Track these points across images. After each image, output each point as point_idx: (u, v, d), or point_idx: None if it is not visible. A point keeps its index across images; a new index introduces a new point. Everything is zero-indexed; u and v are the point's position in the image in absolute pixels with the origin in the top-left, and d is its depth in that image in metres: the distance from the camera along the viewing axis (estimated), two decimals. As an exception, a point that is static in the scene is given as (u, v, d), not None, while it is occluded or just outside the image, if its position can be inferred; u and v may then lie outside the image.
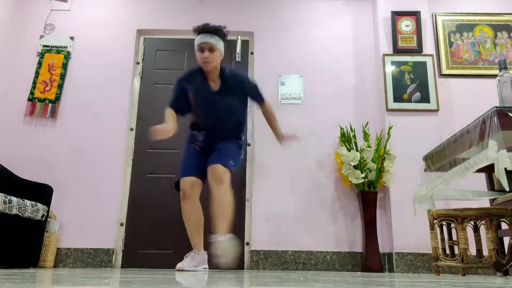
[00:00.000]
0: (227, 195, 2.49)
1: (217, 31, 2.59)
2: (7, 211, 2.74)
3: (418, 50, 3.68)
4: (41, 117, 3.69)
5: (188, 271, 2.46)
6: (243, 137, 2.84)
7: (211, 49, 2.56)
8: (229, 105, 2.64)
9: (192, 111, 2.71)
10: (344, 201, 3.52)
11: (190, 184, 2.55)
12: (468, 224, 2.35)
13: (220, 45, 2.62)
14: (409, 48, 3.69)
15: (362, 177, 3.24)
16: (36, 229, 3.07)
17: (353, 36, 3.96)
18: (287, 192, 3.54)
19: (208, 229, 2.57)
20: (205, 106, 2.65)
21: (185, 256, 2.58)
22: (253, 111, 3.72)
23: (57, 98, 3.72)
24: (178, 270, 2.46)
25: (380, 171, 3.32)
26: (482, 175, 2.81)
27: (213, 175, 2.49)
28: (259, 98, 2.77)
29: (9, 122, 3.67)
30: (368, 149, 3.35)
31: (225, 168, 2.50)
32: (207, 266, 2.61)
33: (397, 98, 3.57)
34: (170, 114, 2.61)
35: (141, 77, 3.92)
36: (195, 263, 2.53)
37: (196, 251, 2.57)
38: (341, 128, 3.51)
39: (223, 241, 2.33)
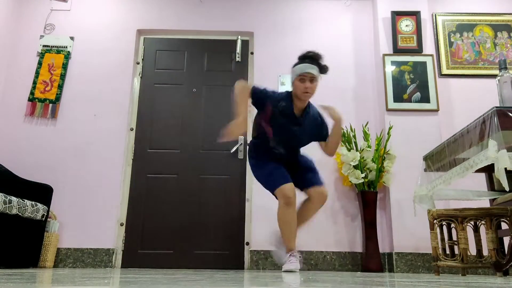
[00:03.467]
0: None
1: (318, 63, 2.58)
2: (7, 211, 2.74)
3: (418, 50, 3.68)
4: (42, 117, 3.69)
5: (296, 271, 2.54)
6: None
7: (312, 80, 2.55)
8: (302, 135, 2.65)
9: (264, 125, 2.65)
10: (344, 201, 3.52)
11: (293, 190, 2.57)
12: (468, 224, 2.35)
13: (319, 76, 2.61)
14: (409, 48, 3.69)
15: (362, 177, 3.24)
16: (36, 229, 3.07)
17: (353, 36, 3.96)
18: (287, 192, 3.54)
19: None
20: (284, 126, 2.62)
21: (288, 260, 2.58)
22: (253, 110, 3.71)
23: (57, 98, 3.72)
24: (286, 271, 2.53)
25: (380, 171, 3.32)
26: (482, 175, 2.82)
27: (320, 198, 2.67)
28: (326, 137, 2.75)
29: (10, 122, 3.67)
30: (368, 149, 3.35)
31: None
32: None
33: (397, 98, 3.57)
34: (243, 93, 2.56)
35: (141, 77, 3.92)
36: (299, 262, 2.59)
37: (295, 252, 2.61)
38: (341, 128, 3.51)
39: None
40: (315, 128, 2.71)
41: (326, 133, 2.75)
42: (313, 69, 2.56)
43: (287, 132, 2.63)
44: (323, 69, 2.62)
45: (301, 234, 3.42)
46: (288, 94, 2.66)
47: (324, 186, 2.69)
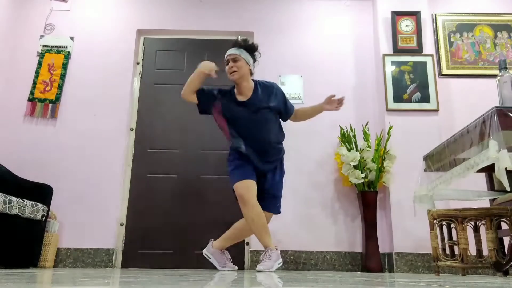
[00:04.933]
0: None
1: (241, 44, 2.74)
2: (7, 211, 2.74)
3: (418, 50, 3.68)
4: (41, 117, 3.69)
5: (270, 271, 2.50)
6: (283, 151, 2.87)
7: (235, 60, 2.71)
8: (257, 116, 2.69)
9: (224, 126, 2.79)
10: (344, 201, 3.52)
11: (246, 187, 2.60)
12: (468, 224, 2.35)
13: (244, 54, 2.73)
14: (409, 48, 3.69)
15: (362, 177, 3.24)
16: (36, 229, 3.07)
17: (353, 36, 3.96)
18: (287, 192, 3.53)
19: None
20: (236, 115, 2.72)
21: (261, 258, 2.61)
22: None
23: (57, 98, 3.72)
24: (258, 271, 2.51)
25: (380, 171, 3.32)
26: (482, 175, 2.81)
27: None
28: (290, 108, 2.85)
29: (9, 122, 3.67)
30: (368, 149, 3.35)
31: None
32: (281, 260, 2.63)
33: (397, 98, 3.57)
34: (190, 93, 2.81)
35: (141, 77, 3.92)
36: (273, 261, 2.56)
37: (270, 249, 2.60)
38: (341, 128, 3.51)
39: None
40: (271, 101, 2.73)
41: (284, 100, 2.81)
42: (233, 50, 2.73)
43: (242, 120, 2.69)
44: (250, 48, 2.75)
45: (302, 234, 3.42)
46: (232, 87, 2.81)
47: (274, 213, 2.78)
